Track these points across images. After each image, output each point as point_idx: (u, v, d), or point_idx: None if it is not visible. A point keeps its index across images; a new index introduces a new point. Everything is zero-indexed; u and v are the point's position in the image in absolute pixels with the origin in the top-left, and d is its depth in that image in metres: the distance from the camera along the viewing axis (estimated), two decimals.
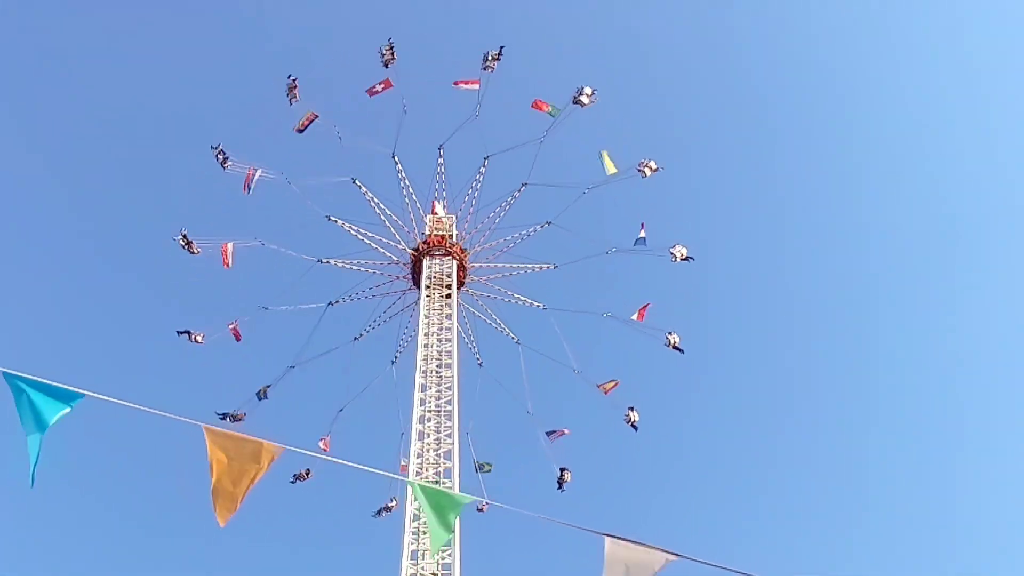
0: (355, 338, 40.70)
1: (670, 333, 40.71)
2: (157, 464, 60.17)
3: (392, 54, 39.69)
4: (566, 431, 40.32)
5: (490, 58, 39.94)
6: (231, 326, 39.90)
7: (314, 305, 40.45)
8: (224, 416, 39.51)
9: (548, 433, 39.62)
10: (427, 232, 40.87)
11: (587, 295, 46.41)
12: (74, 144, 68.19)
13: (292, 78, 40.05)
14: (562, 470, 39.18)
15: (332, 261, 40.60)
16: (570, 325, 41.82)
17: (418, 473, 31.53)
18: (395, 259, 40.89)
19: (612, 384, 40.09)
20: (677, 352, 40.63)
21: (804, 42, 78.81)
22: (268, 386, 39.81)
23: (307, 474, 38.87)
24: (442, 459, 32.43)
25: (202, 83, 70.15)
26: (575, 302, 43.67)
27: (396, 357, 39.91)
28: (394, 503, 37.83)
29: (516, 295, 41.18)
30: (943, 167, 76.09)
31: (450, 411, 33.74)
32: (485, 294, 41.35)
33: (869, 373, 74.31)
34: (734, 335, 72.87)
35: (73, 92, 69.55)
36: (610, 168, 40.32)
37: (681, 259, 40.74)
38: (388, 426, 34.30)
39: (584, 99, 40.28)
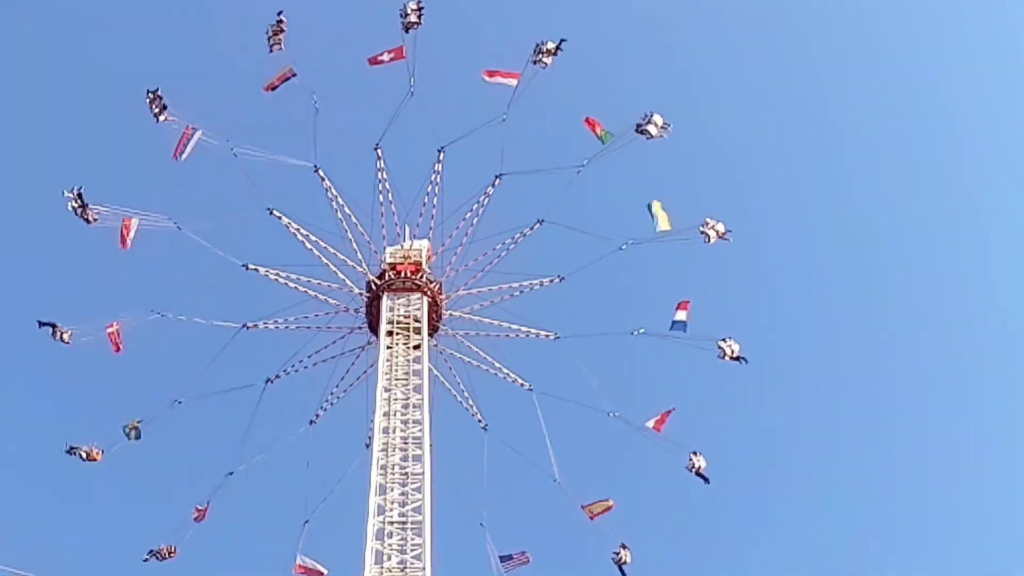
0: (311, 421, 30.87)
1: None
2: None
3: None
4: (526, 557, 29.48)
5: (544, 52, 31.00)
6: (110, 329, 29.96)
7: (246, 386, 30.43)
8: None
9: (503, 559, 29.13)
10: (384, 262, 31.09)
11: (601, 305, 35.17)
12: None
13: (280, 17, 30.62)
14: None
15: (260, 324, 30.70)
16: (589, 350, 31.59)
17: None
18: (344, 306, 30.87)
19: (603, 507, 30.16)
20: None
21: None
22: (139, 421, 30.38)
23: (171, 552, 29.81)
24: None
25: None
26: (588, 317, 33.88)
27: (370, 438, 29.56)
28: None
29: (515, 326, 31.20)
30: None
31: (419, 523, 24.61)
32: (471, 332, 31.35)
33: None
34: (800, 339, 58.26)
35: None
36: (663, 223, 30.65)
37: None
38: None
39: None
